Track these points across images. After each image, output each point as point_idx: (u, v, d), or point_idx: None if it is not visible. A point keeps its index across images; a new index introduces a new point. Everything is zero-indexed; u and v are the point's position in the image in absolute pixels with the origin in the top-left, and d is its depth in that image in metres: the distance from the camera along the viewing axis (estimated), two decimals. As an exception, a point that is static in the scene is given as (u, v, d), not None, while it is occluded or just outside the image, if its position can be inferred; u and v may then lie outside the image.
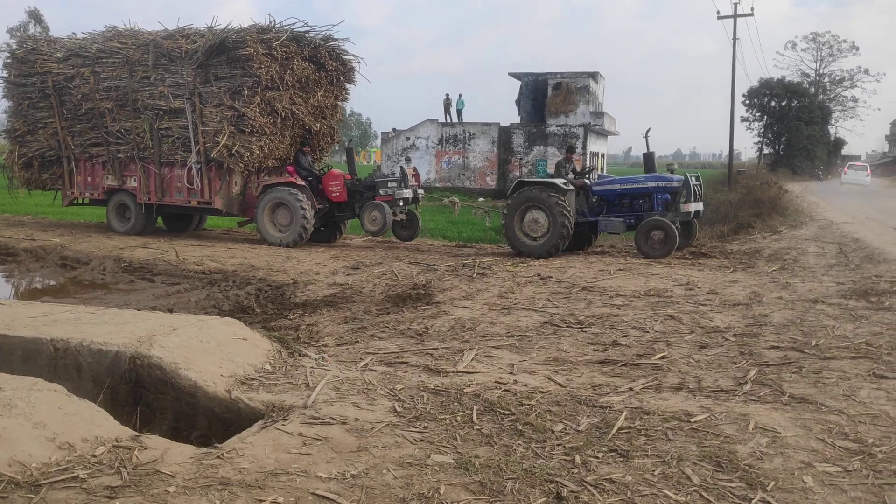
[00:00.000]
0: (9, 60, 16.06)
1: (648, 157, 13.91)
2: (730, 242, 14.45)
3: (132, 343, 4.61)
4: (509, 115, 43.24)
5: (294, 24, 14.53)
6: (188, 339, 4.82)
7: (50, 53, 15.54)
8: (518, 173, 35.79)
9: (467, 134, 37.08)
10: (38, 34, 16.71)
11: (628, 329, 6.78)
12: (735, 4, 35.47)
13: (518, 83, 39.10)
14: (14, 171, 16.33)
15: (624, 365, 5.50)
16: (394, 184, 14.57)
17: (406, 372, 5.12)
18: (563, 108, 36.46)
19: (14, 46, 16.19)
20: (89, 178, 15.81)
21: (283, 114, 14.28)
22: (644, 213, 12.98)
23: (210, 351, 4.76)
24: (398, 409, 4.18)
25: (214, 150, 13.90)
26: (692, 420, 4.12)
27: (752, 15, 36.11)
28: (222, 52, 13.93)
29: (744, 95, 63.59)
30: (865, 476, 3.45)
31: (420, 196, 15.49)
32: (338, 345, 6.48)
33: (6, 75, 16.16)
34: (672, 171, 14.23)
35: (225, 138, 13.74)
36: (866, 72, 73.47)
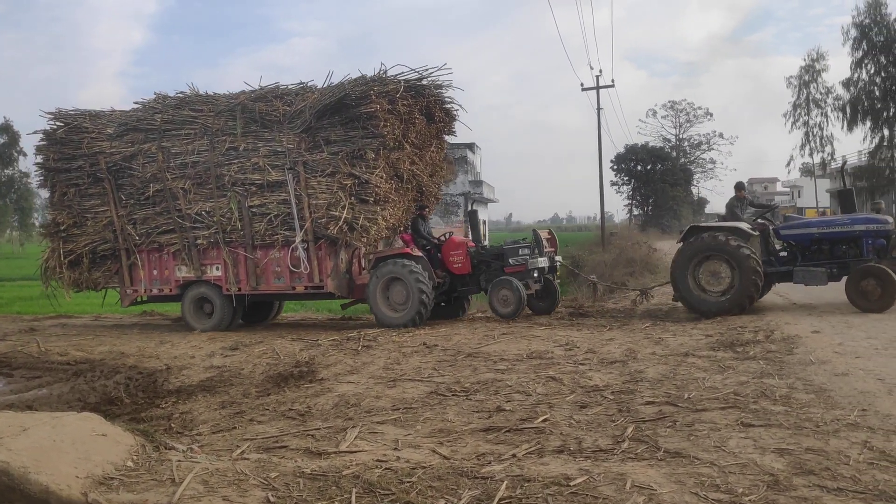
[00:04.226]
0: (44, 143, 13.66)
1: (846, 196, 11.95)
2: (606, 301, 14.93)
3: (-26, 449, 4.19)
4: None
5: (403, 72, 12.35)
6: (40, 440, 4.42)
7: (98, 130, 13.35)
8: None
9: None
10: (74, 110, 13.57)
11: (512, 393, 6.82)
12: (597, 77, 37.86)
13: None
14: (59, 272, 13.60)
15: (508, 431, 5.49)
16: (526, 251, 12.46)
17: (283, 457, 4.90)
18: (444, 177, 37.25)
19: (50, 126, 13.67)
20: (156, 272, 13.35)
21: (406, 176, 12.67)
22: (849, 260, 11.19)
23: (65, 451, 4.39)
24: (272, 500, 3.96)
25: (334, 226, 11.89)
26: (572, 484, 4.12)
27: (613, 86, 38.65)
28: (337, 112, 12.10)
29: (612, 161, 67.45)
30: (737, 526, 3.53)
31: (557, 264, 13.32)
32: (213, 432, 6.15)
33: (42, 160, 13.72)
34: (878, 211, 12.59)
35: (345, 210, 11.86)
36: (721, 135, 79.82)
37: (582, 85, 38.45)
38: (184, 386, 8.71)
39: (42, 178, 13.99)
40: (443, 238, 13.41)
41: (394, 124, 12.02)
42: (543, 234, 12.92)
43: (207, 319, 13.12)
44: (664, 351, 8.63)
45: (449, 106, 13.66)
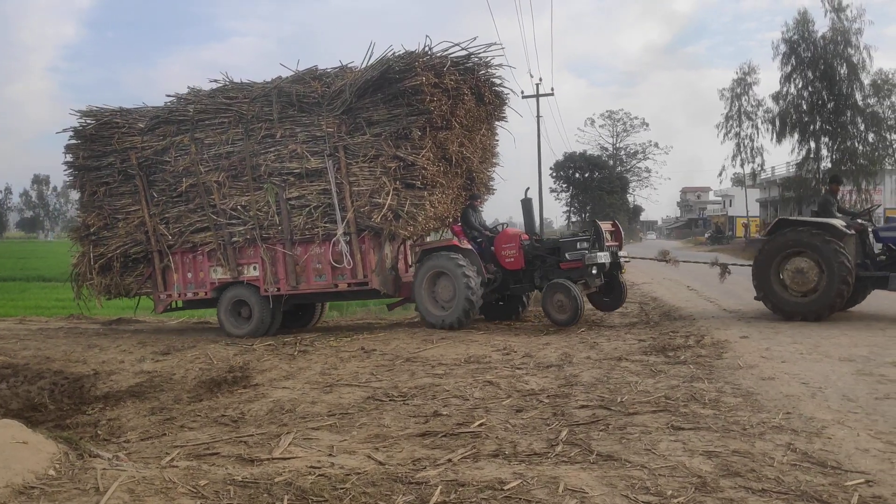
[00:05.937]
0: (73, 141, 12.98)
1: None
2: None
3: None
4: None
5: (448, 48, 11.35)
6: (-46, 449, 4.23)
7: (129, 125, 12.67)
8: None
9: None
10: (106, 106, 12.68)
11: (449, 398, 6.82)
12: (537, 85, 38.42)
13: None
14: (90, 278, 12.94)
15: (444, 436, 5.49)
16: (584, 245, 11.25)
17: (214, 465, 4.79)
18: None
19: (80, 123, 12.97)
20: (190, 274, 12.57)
21: (455, 159, 11.73)
22: None
23: (-18, 460, 4.20)
24: (201, 508, 3.88)
25: (378, 214, 11.05)
26: (505, 488, 4.14)
27: (552, 95, 39.25)
28: (379, 89, 11.19)
29: (551, 168, 68.44)
30: (666, 527, 3.60)
31: (623, 260, 11.85)
32: (142, 439, 5.99)
33: (72, 159, 13.05)
34: None
35: (389, 197, 11.01)
36: (656, 145, 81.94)
37: (522, 93, 38.73)
38: (112, 391, 8.46)
39: (72, 177, 13.35)
40: (497, 229, 12.35)
41: (441, 100, 11.11)
42: (606, 227, 11.69)
43: (246, 324, 12.36)
44: (599, 355, 8.77)
45: (499, 88, 12.83)
